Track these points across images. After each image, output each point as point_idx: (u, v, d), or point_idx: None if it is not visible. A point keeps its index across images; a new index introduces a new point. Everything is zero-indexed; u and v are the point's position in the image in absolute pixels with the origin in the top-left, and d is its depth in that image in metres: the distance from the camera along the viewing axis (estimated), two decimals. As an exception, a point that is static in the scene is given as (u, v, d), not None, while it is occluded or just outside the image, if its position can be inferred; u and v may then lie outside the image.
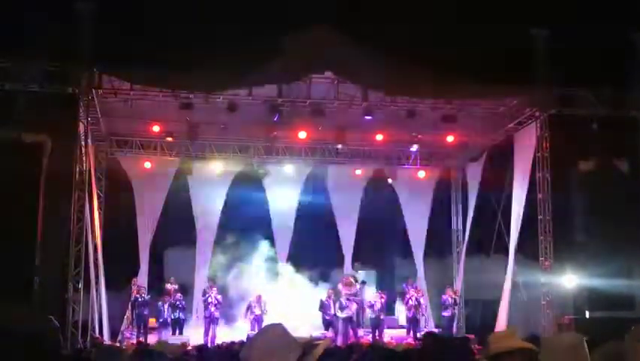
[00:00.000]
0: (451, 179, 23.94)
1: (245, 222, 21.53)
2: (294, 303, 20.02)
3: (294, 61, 16.84)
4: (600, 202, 18.08)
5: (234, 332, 19.29)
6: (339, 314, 19.97)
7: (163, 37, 15.88)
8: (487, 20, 16.48)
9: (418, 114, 19.24)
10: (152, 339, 18.76)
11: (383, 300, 20.65)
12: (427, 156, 23.12)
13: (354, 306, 20.10)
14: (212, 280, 20.60)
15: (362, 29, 16.22)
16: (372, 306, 20.44)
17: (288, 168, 22.68)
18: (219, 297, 19.92)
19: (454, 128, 20.32)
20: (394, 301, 22.46)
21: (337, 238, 22.92)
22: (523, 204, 18.71)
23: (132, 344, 16.61)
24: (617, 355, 3.46)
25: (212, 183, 22.26)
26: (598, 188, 18.23)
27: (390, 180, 22.96)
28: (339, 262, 22.88)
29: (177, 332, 19.74)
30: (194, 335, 19.49)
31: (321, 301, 20.31)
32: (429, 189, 23.38)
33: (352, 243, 22.93)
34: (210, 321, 19.75)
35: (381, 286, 21.94)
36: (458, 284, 22.82)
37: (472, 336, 16.48)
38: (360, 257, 22.85)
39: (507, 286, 19.09)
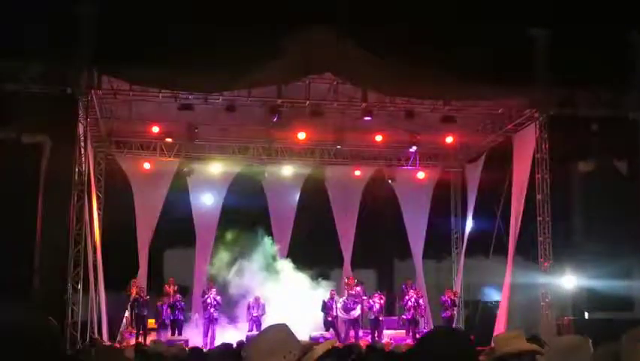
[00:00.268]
0: (451, 180, 23.95)
1: (244, 223, 21.52)
2: (294, 303, 20.01)
3: (293, 62, 16.85)
4: (599, 203, 18.08)
5: (234, 332, 19.27)
6: (343, 316, 20.02)
7: (162, 38, 15.86)
8: (487, 20, 16.46)
9: (418, 115, 19.26)
10: (151, 340, 18.79)
11: (382, 301, 20.66)
12: (426, 156, 23.12)
13: (358, 308, 20.17)
14: (211, 281, 20.60)
15: (361, 30, 16.22)
16: (371, 307, 20.44)
17: (287, 169, 22.67)
18: (218, 298, 19.91)
19: (454, 129, 20.35)
20: (393, 302, 22.46)
21: (337, 238, 22.91)
22: (523, 205, 18.71)
23: (131, 344, 16.59)
24: (613, 357, 3.45)
25: (211, 183, 22.26)
26: (597, 189, 18.23)
27: (389, 181, 22.95)
28: (339, 262, 22.87)
29: (176, 332, 19.73)
30: (193, 335, 19.49)
31: (324, 301, 20.32)
32: (428, 189, 23.38)
33: (352, 244, 22.92)
34: (209, 322, 19.74)
35: (380, 287, 21.92)
36: (458, 285, 22.83)
37: (472, 337, 16.47)
38: (360, 258, 22.84)
39: (506, 286, 19.10)
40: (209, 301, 19.78)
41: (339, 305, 20.23)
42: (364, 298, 20.82)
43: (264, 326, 19.39)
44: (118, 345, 17.45)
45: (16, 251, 15.48)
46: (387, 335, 20.55)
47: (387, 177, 22.94)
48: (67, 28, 15.56)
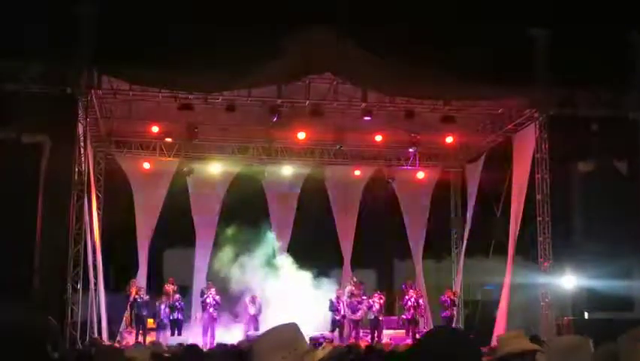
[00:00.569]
0: (450, 180, 23.95)
1: (244, 223, 21.51)
2: (294, 303, 20.02)
3: (293, 62, 16.85)
4: (599, 203, 18.07)
5: (234, 332, 19.27)
6: (350, 315, 20.11)
7: (162, 38, 15.86)
8: (487, 20, 16.46)
9: (417, 115, 19.27)
10: (150, 340, 18.78)
11: (382, 301, 20.67)
12: (426, 156, 23.12)
13: (364, 308, 20.26)
14: (210, 281, 20.60)
15: (361, 30, 16.21)
16: (371, 307, 20.45)
17: (287, 169, 22.67)
18: (218, 297, 19.91)
19: (453, 129, 20.35)
20: (393, 302, 22.46)
21: (336, 238, 22.91)
22: (522, 205, 18.71)
23: (131, 344, 16.58)
24: (613, 357, 3.45)
25: (211, 183, 22.25)
26: (597, 189, 18.22)
27: (389, 181, 22.94)
28: (339, 262, 22.87)
29: (176, 332, 19.72)
30: (193, 335, 19.47)
31: (331, 301, 20.35)
32: (428, 190, 23.38)
33: (351, 244, 22.92)
34: (209, 322, 19.74)
35: (380, 287, 21.92)
36: (457, 285, 22.83)
37: (471, 337, 16.45)
38: (360, 258, 22.84)
39: (506, 286, 19.10)
40: (208, 301, 19.78)
41: (345, 305, 20.28)
42: (364, 298, 20.83)
43: (261, 324, 19.46)
44: (117, 345, 17.44)
45: (16, 251, 15.48)
46: (387, 335, 20.55)
47: (387, 177, 22.93)
48: (67, 28, 15.56)
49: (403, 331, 21.15)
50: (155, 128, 20.41)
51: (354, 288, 20.98)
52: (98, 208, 20.30)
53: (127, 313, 20.33)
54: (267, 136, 21.22)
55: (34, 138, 16.21)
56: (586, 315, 17.85)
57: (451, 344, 2.85)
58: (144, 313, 19.70)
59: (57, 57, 16.12)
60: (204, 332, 19.69)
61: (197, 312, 20.96)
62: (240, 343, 10.14)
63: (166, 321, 19.74)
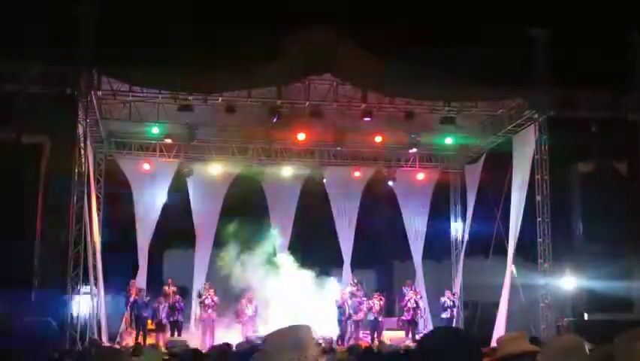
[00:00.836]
0: (450, 181, 23.93)
1: (244, 224, 21.50)
2: (294, 303, 20.03)
3: (293, 62, 16.85)
4: (599, 204, 18.10)
5: (233, 333, 19.26)
6: (354, 316, 20.15)
7: (162, 38, 15.86)
8: (487, 21, 16.46)
9: (417, 116, 19.28)
10: (150, 341, 18.80)
11: (382, 302, 20.67)
12: (425, 157, 23.14)
13: (365, 308, 20.29)
14: (208, 282, 20.62)
15: (361, 30, 16.21)
16: (371, 308, 20.45)
17: (287, 170, 22.66)
18: (217, 298, 19.92)
19: (453, 130, 20.34)
20: (393, 303, 22.45)
21: (336, 239, 22.91)
22: (522, 206, 18.71)
23: (130, 345, 16.58)
24: (608, 357, 3.45)
25: (211, 184, 22.24)
26: (597, 190, 18.24)
27: (389, 182, 22.94)
28: (339, 263, 22.87)
29: (176, 333, 19.71)
30: (192, 336, 19.47)
31: (337, 301, 20.38)
32: (428, 190, 23.38)
33: (351, 245, 22.92)
34: (208, 323, 19.73)
35: (379, 288, 21.91)
36: (457, 286, 22.82)
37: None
38: (359, 259, 22.84)
39: (506, 288, 19.10)
40: (207, 302, 19.78)
41: (350, 306, 20.33)
42: (364, 299, 20.84)
43: (258, 325, 19.47)
44: (117, 346, 17.44)
45: (16, 251, 15.47)
46: (387, 336, 20.53)
47: (387, 177, 22.92)
48: (67, 28, 15.55)
49: (403, 332, 21.13)
50: (154, 129, 20.40)
51: (354, 289, 21.00)
52: (98, 209, 20.29)
53: (127, 314, 20.33)
54: (267, 137, 21.22)
55: (34, 138, 16.23)
56: (586, 316, 17.86)
57: (452, 345, 2.85)
58: (144, 315, 19.68)
59: (57, 58, 16.12)
60: (204, 333, 19.68)
61: (196, 313, 20.94)
62: (239, 345, 10.13)
63: (165, 322, 19.73)
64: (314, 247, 21.98)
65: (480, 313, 21.57)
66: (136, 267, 21.18)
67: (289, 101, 18.80)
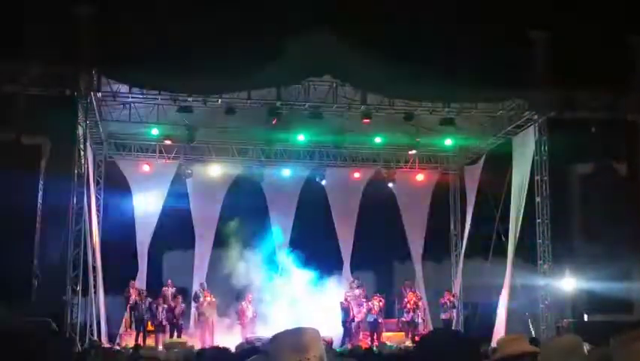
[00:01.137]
0: (450, 182, 23.93)
1: (244, 225, 21.51)
2: (294, 304, 20.06)
3: (293, 64, 16.84)
4: (599, 205, 18.07)
5: (232, 334, 19.28)
6: (356, 317, 20.21)
7: (162, 40, 15.85)
8: (487, 21, 16.44)
9: (417, 117, 19.29)
10: (150, 342, 18.81)
11: (382, 303, 20.67)
12: (425, 158, 23.15)
13: (364, 309, 20.31)
14: (203, 282, 20.69)
15: (361, 32, 16.20)
16: (371, 309, 20.47)
17: (287, 171, 22.67)
18: (215, 300, 19.94)
19: (453, 131, 20.34)
20: (393, 304, 22.46)
21: (336, 240, 22.91)
22: (522, 207, 18.71)
23: (130, 346, 16.59)
24: (606, 358, 3.46)
25: (210, 186, 22.25)
26: (596, 191, 18.23)
27: (388, 183, 22.94)
28: (339, 264, 22.87)
29: (175, 334, 19.71)
30: (192, 337, 19.48)
31: (341, 303, 20.39)
32: (427, 191, 23.38)
33: (351, 246, 22.92)
34: (206, 324, 19.74)
35: (379, 289, 21.92)
36: (456, 287, 22.82)
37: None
38: (359, 260, 22.84)
39: (505, 289, 19.10)
40: (204, 305, 19.82)
41: (353, 307, 20.39)
42: (364, 300, 20.86)
43: (257, 326, 19.51)
44: (117, 347, 17.45)
45: (16, 253, 15.47)
46: (387, 337, 20.54)
47: (387, 179, 22.92)
48: (68, 29, 15.53)
49: (403, 333, 21.14)
50: (154, 131, 20.41)
51: (360, 291, 21.01)
52: (98, 210, 20.30)
53: (126, 316, 20.34)
54: (267, 138, 21.22)
55: (34, 139, 16.21)
56: (585, 317, 17.84)
57: (451, 346, 2.85)
58: (144, 316, 19.70)
59: (57, 58, 16.10)
60: (202, 334, 19.68)
61: (195, 314, 20.95)
62: (238, 346, 10.13)
63: (165, 323, 19.73)
64: (314, 249, 21.98)
65: (480, 314, 21.56)
66: (135, 268, 21.19)
67: (289, 103, 18.80)
